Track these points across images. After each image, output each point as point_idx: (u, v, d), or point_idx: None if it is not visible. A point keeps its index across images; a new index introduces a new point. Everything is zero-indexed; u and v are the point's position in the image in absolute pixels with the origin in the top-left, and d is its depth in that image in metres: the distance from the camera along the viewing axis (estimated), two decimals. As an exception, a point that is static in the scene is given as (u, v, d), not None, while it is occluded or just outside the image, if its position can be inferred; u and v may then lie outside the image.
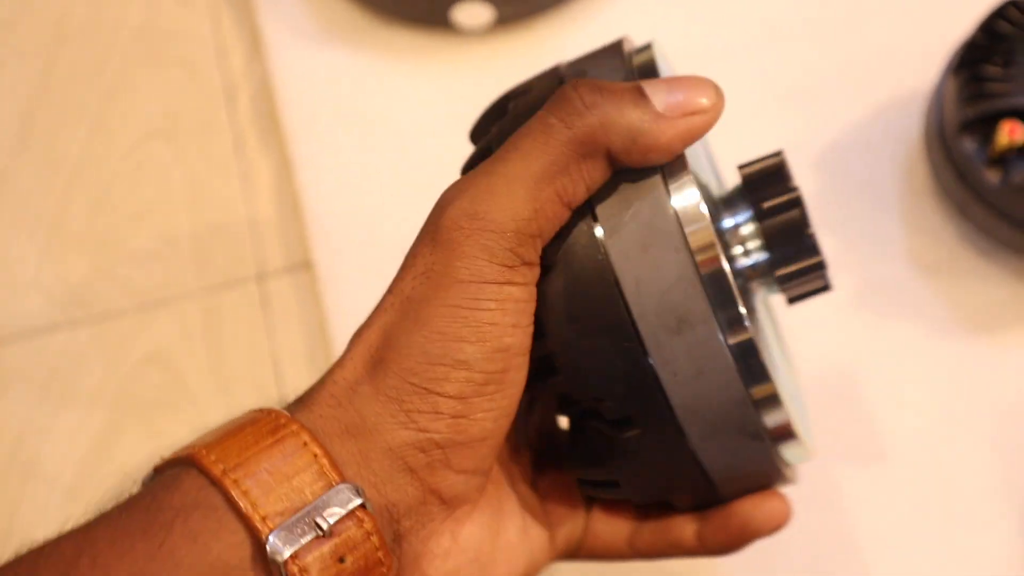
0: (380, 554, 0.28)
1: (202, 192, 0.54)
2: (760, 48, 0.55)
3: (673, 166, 0.30)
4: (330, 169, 0.54)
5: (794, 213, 0.34)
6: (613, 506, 0.35)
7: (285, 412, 0.29)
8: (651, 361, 0.30)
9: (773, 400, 0.31)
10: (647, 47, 0.34)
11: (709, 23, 0.56)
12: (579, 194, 0.30)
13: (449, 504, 0.30)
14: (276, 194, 0.54)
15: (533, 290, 0.30)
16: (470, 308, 0.28)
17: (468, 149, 0.35)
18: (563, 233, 0.30)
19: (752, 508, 0.34)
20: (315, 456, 0.28)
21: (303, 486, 0.27)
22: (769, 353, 0.33)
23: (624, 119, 0.29)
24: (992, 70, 0.47)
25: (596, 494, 0.34)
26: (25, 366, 0.50)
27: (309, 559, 0.27)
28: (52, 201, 0.54)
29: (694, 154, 0.32)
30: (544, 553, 0.34)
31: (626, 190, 0.30)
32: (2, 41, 0.58)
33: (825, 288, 0.35)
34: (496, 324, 0.29)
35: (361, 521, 0.28)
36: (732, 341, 0.30)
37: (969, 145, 0.46)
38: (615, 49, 0.34)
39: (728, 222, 0.34)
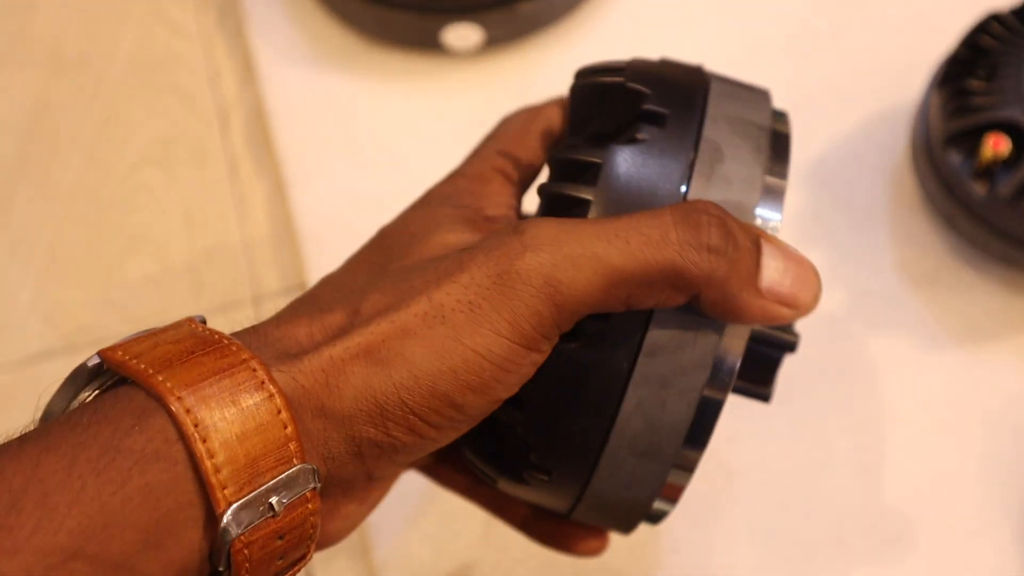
0: (313, 532, 0.28)
1: (197, 217, 0.54)
2: (745, 66, 0.56)
3: (734, 328, 0.31)
4: (323, 191, 0.54)
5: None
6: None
7: (264, 367, 0.27)
8: (599, 464, 0.31)
9: (689, 469, 0.32)
10: (784, 118, 0.34)
11: (694, 43, 0.57)
12: (647, 305, 0.30)
13: (373, 481, 0.31)
14: (270, 217, 0.54)
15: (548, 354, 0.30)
16: (493, 364, 0.28)
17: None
18: (607, 325, 0.30)
19: (585, 534, 0.37)
20: (286, 434, 0.27)
21: (267, 466, 0.27)
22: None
23: (729, 280, 0.29)
24: (975, 84, 0.47)
25: (475, 472, 0.35)
26: (23, 393, 0.50)
27: (255, 538, 0.26)
28: (49, 229, 0.54)
29: None
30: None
31: (685, 325, 0.30)
32: (-3, 71, 0.59)
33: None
34: (503, 384, 0.29)
35: (307, 501, 0.27)
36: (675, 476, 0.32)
37: (955, 158, 0.47)
38: (762, 104, 0.34)
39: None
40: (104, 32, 0.59)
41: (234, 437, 0.26)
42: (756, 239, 0.30)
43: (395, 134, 0.56)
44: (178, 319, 0.30)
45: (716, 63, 0.56)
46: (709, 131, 0.32)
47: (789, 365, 0.49)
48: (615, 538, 0.39)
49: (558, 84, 0.50)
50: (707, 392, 0.30)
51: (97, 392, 0.28)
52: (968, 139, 0.47)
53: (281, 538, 0.27)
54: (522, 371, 0.29)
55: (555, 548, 0.37)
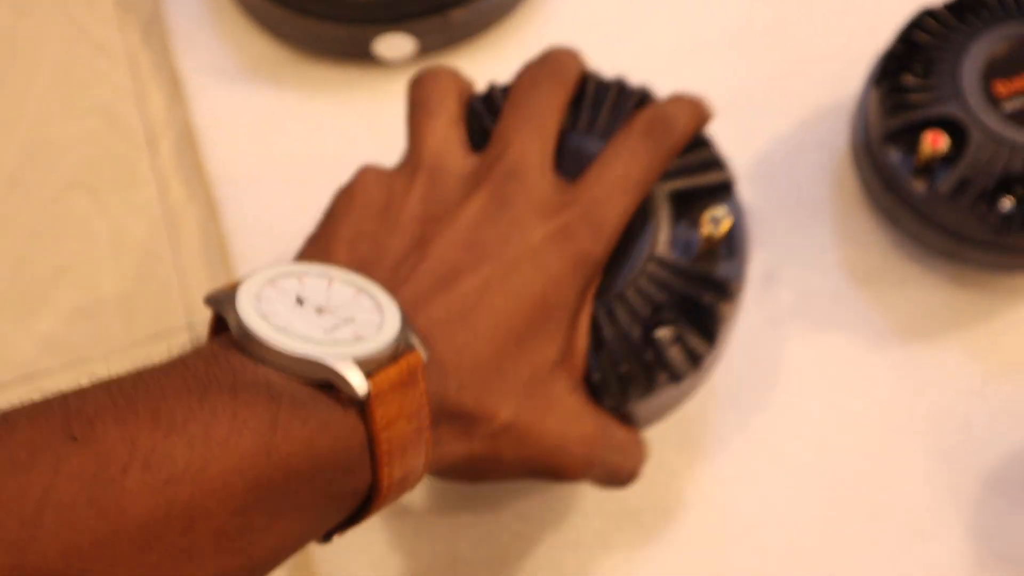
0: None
1: (127, 242, 0.53)
2: (682, 65, 0.55)
3: None
4: (257, 211, 0.53)
5: None
6: None
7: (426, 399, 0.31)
8: None
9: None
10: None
11: (629, 43, 0.56)
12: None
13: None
14: (203, 239, 0.53)
15: None
16: None
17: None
18: None
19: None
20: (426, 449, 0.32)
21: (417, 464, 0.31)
22: None
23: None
24: (912, 80, 0.47)
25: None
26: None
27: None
28: (-30, 262, 0.52)
29: None
30: None
31: None
32: (-88, 97, 0.57)
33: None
34: None
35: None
36: None
37: (894, 155, 0.47)
38: None
39: None
40: (23, 52, 0.57)
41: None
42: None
43: (329, 148, 0.54)
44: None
45: (653, 64, 0.55)
46: None
47: (734, 368, 0.48)
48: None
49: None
50: None
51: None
52: (907, 136, 0.47)
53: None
54: None
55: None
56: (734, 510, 0.46)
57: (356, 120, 0.55)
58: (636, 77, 0.55)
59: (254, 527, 0.27)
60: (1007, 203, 0.45)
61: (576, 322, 0.37)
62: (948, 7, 0.48)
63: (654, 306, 0.39)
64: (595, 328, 0.39)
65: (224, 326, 0.30)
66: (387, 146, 0.52)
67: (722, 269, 0.40)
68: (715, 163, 0.42)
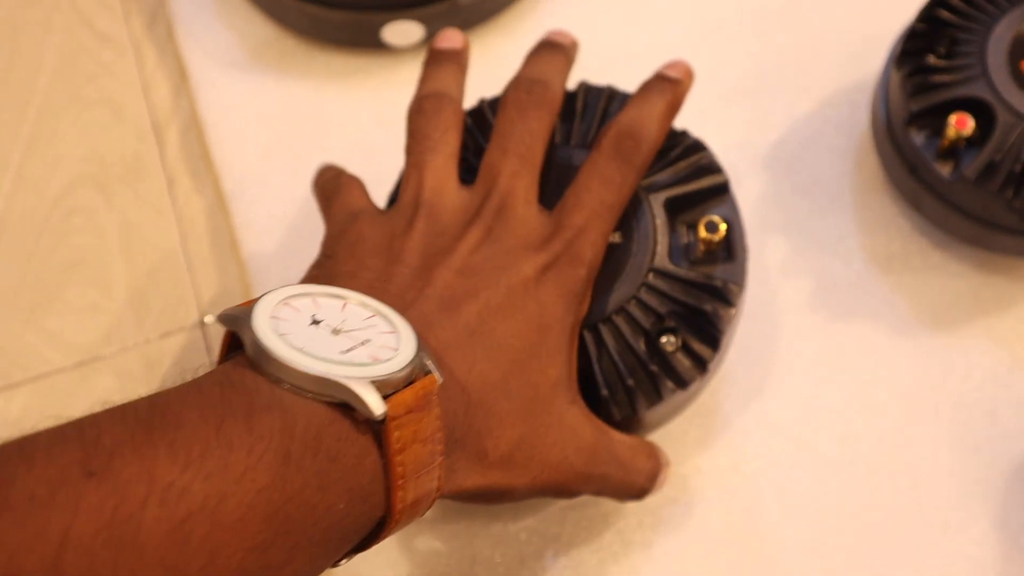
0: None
1: (136, 237, 0.52)
2: (698, 47, 0.54)
3: None
4: (266, 202, 0.52)
5: None
6: None
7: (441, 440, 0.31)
8: None
9: None
10: None
11: (644, 24, 0.55)
12: None
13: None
14: (211, 232, 0.52)
15: None
16: None
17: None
18: None
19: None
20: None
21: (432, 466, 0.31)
22: None
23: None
24: (936, 60, 0.46)
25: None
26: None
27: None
28: (-22, 261, 0.52)
29: None
30: None
31: None
32: (-84, 92, 0.56)
33: None
34: None
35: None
36: None
37: (918, 138, 0.45)
38: None
39: None
40: (27, 44, 0.56)
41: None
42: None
43: (338, 137, 0.53)
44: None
45: (668, 46, 0.54)
46: None
47: (758, 357, 0.47)
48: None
49: (501, 76, 0.48)
50: None
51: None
52: (930, 118, 0.45)
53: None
54: None
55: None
56: (755, 504, 0.45)
57: (364, 107, 0.54)
58: (648, 59, 0.53)
59: (271, 563, 0.26)
60: (1034, 186, 0.43)
61: (572, 342, 0.38)
62: (972, -16, 0.46)
63: (657, 316, 0.40)
64: (600, 343, 0.39)
65: (237, 344, 0.30)
66: (396, 133, 0.51)
67: (721, 273, 0.41)
68: (710, 167, 0.42)
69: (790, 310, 0.48)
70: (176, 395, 0.28)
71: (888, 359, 0.47)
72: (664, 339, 0.40)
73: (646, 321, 0.40)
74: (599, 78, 0.46)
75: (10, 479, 0.24)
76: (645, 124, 0.40)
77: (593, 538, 0.44)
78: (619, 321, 0.40)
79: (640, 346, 0.39)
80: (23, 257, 0.52)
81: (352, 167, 0.52)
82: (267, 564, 0.26)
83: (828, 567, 0.44)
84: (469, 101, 0.45)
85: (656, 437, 0.44)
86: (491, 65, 0.54)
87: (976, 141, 0.44)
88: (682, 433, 0.46)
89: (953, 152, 0.45)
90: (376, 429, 0.29)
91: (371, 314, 0.32)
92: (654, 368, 0.39)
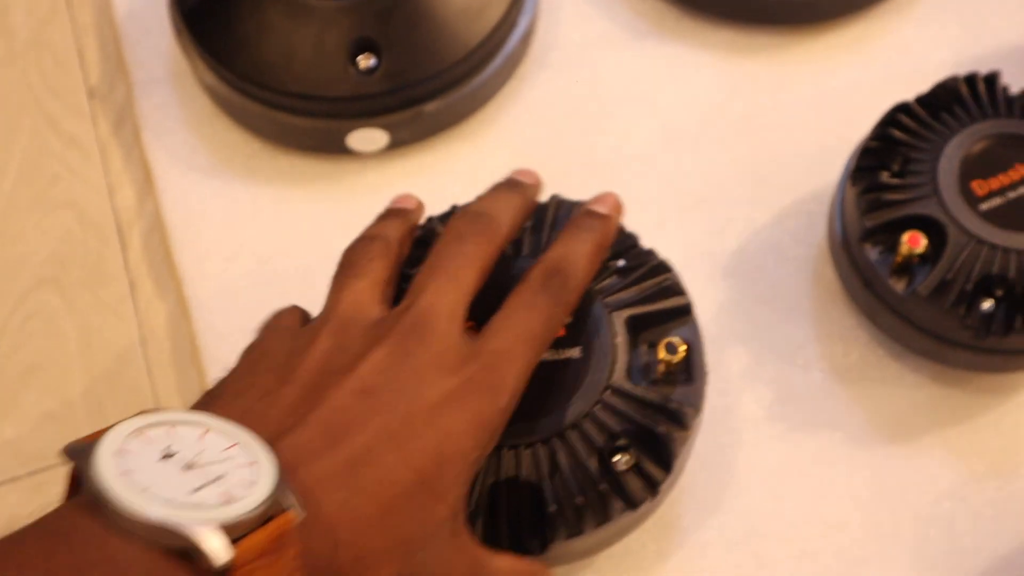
0: None
1: (96, 342, 0.52)
2: (660, 156, 0.55)
3: None
4: (228, 309, 0.52)
5: None
6: None
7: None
8: None
9: None
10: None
11: (610, 134, 0.56)
12: None
13: None
14: (172, 338, 0.52)
15: None
16: None
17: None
18: None
19: None
20: None
21: None
22: None
23: None
24: (888, 178, 0.46)
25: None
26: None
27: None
28: (-66, 367, 0.51)
29: None
30: None
31: None
32: None
33: None
34: None
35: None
36: None
37: (872, 253, 0.46)
38: None
39: None
40: (-7, 146, 0.57)
41: None
42: None
43: (302, 241, 0.54)
44: None
45: (629, 154, 0.55)
46: None
47: (716, 469, 0.47)
48: None
49: (464, 181, 0.49)
50: None
51: None
52: (884, 235, 0.46)
53: None
54: None
55: None
56: (715, 620, 0.45)
57: (328, 211, 0.54)
58: (615, 171, 0.54)
59: None
60: (986, 304, 0.44)
61: (471, 476, 0.36)
62: (921, 103, 0.47)
63: (611, 435, 0.40)
64: (552, 458, 0.39)
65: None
66: (356, 235, 0.51)
67: (679, 395, 0.41)
68: (673, 289, 0.43)
69: (749, 420, 0.48)
70: (15, 540, 0.27)
71: (847, 471, 0.47)
72: (617, 458, 0.40)
73: (600, 439, 0.40)
74: (563, 185, 0.47)
75: None
76: (572, 262, 0.39)
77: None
78: (573, 437, 0.40)
79: (592, 464, 0.39)
80: (-19, 361, 0.51)
81: (315, 272, 0.52)
82: None
83: None
84: (432, 210, 0.46)
85: (615, 551, 0.44)
86: (454, 172, 0.55)
87: (929, 258, 0.45)
88: (641, 547, 0.46)
89: (907, 268, 0.46)
90: None
91: (230, 444, 0.31)
92: (604, 487, 0.39)
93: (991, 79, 0.47)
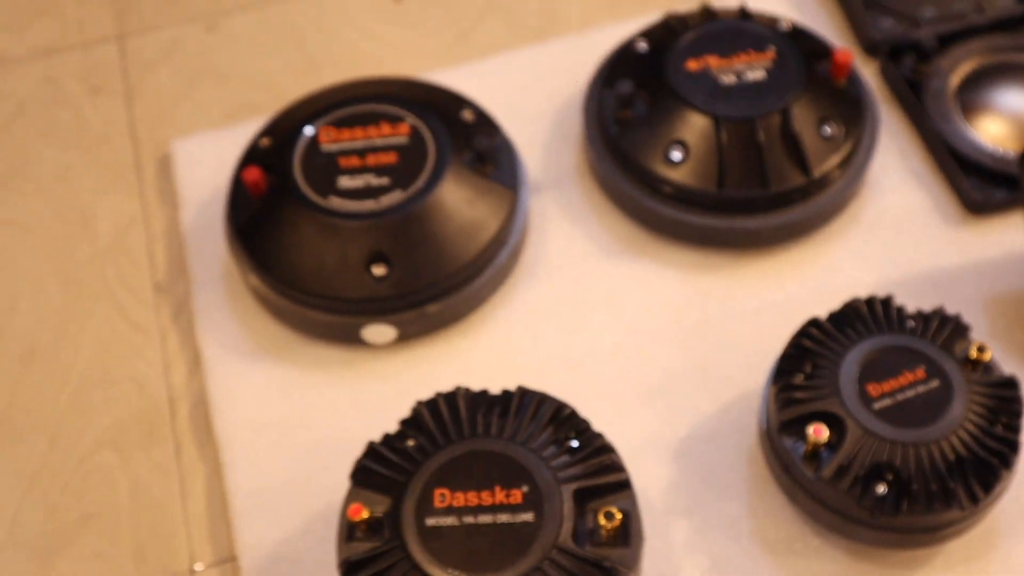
0: None
1: (144, 495, 0.62)
2: (621, 353, 0.65)
3: None
4: (257, 473, 0.62)
5: None
6: None
7: None
8: None
9: None
10: None
11: (584, 334, 0.66)
12: None
13: None
14: (207, 496, 0.61)
15: None
16: None
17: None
18: None
19: None
20: None
21: None
22: None
23: None
24: (800, 379, 0.56)
25: None
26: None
27: None
28: (9, 511, 0.61)
29: None
30: None
31: None
32: (-22, 363, 0.67)
33: None
34: None
35: None
36: None
37: (788, 442, 0.55)
38: None
39: None
40: (72, 328, 0.68)
41: None
42: None
43: (321, 417, 0.64)
44: None
45: (599, 351, 0.65)
46: None
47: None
48: None
49: (462, 370, 0.59)
50: None
51: None
52: (797, 427, 0.55)
53: None
54: None
55: None
56: None
57: (344, 393, 0.65)
58: (583, 364, 0.65)
59: None
60: (880, 488, 0.53)
61: None
62: (831, 319, 0.57)
63: None
64: None
65: None
66: (370, 417, 0.61)
67: (616, 556, 0.49)
68: (613, 466, 0.52)
69: (688, 584, 0.56)
70: None
71: (770, 631, 0.55)
72: None
73: None
74: (537, 378, 0.57)
75: None
76: None
77: None
78: None
79: None
80: (47, 507, 0.61)
81: (329, 444, 0.63)
82: None
83: None
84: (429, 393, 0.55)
85: None
86: (454, 363, 0.66)
87: (834, 446, 0.54)
88: None
89: (816, 455, 0.54)
90: None
91: None
92: None
93: (887, 301, 0.57)
